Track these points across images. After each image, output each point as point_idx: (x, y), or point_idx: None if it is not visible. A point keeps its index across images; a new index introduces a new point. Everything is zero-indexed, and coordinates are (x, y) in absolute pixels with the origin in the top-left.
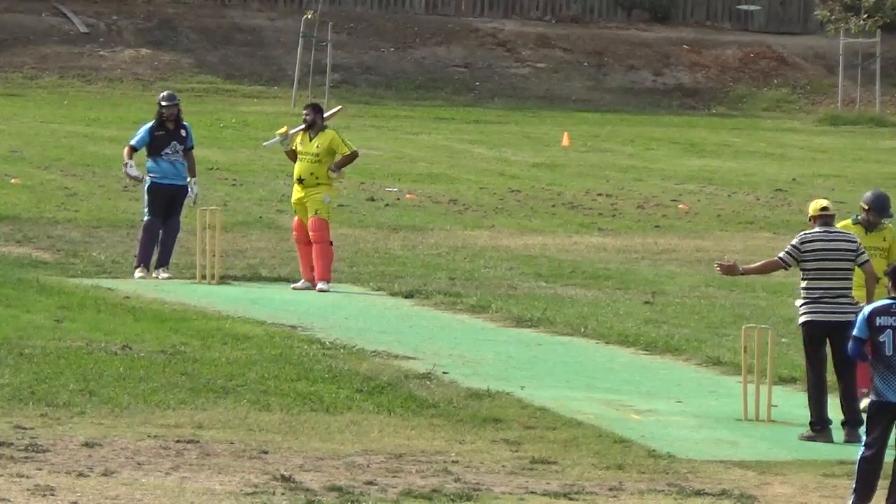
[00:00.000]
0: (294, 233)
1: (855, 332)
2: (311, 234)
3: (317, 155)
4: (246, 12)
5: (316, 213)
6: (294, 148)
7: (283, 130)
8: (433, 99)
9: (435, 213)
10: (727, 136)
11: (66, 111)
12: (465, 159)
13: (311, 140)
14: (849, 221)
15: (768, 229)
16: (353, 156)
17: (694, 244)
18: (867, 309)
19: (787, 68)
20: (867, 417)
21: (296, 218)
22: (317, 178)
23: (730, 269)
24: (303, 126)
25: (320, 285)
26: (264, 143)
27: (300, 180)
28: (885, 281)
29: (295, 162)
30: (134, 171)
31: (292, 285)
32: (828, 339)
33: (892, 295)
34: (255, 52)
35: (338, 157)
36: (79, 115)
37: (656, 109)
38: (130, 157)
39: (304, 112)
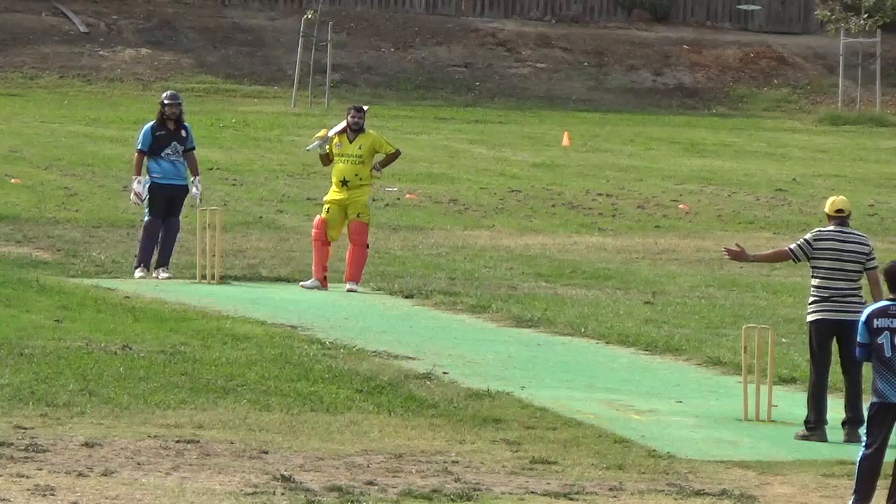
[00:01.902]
0: (314, 230)
1: (858, 337)
2: (352, 236)
3: (360, 156)
4: (246, 12)
5: (358, 217)
6: (329, 151)
7: (322, 133)
8: (433, 99)
9: (435, 213)
10: (727, 136)
11: (66, 111)
12: (465, 159)
13: (350, 142)
14: None
15: (768, 229)
16: (397, 154)
17: (694, 244)
18: (865, 312)
19: (788, 68)
20: (868, 418)
21: (318, 216)
22: (360, 179)
23: (738, 255)
24: (340, 127)
25: (350, 285)
26: (306, 148)
27: (344, 182)
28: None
29: (327, 165)
30: (139, 188)
31: (301, 283)
32: (835, 339)
33: (891, 296)
34: (255, 52)
35: (378, 157)
36: (79, 115)
37: (656, 109)
38: (139, 172)
39: (357, 115)
